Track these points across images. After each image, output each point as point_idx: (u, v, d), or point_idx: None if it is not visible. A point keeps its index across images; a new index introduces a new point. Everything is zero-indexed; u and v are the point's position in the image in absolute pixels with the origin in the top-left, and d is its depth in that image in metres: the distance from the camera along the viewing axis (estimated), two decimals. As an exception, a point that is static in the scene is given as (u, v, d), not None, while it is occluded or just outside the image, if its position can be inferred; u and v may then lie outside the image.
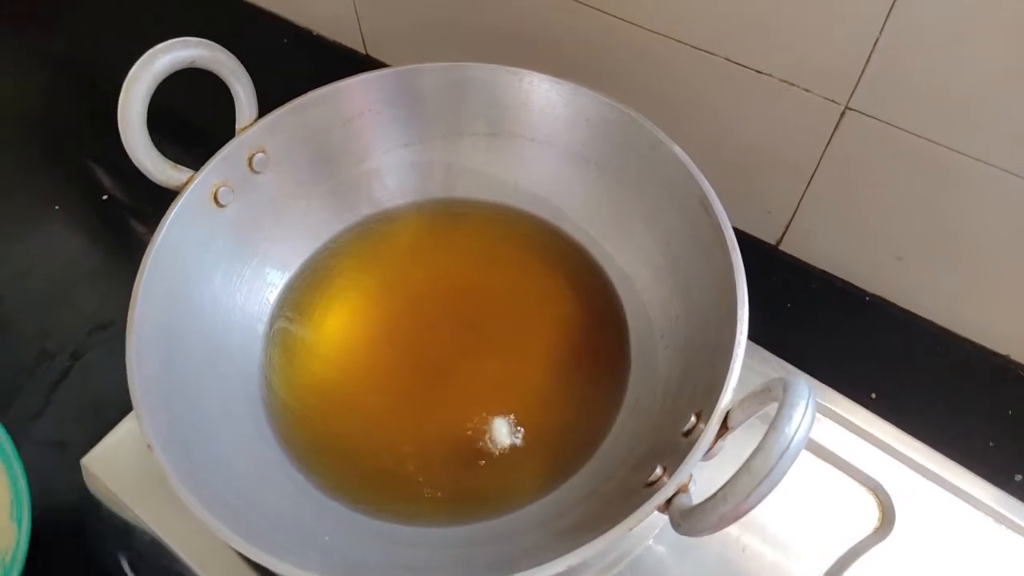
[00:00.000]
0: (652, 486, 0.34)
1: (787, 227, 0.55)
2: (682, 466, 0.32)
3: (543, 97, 0.47)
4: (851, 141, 0.47)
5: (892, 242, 0.50)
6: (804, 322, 0.53)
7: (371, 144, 0.50)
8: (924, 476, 0.44)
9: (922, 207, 0.47)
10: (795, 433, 0.28)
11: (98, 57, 0.75)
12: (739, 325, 0.36)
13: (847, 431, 0.45)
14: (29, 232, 0.63)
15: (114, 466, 0.45)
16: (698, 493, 0.32)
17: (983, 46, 0.39)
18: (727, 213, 0.40)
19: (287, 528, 0.37)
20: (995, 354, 0.51)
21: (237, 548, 0.32)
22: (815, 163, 0.49)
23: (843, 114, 0.46)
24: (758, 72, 0.47)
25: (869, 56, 0.42)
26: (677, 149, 0.43)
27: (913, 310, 0.53)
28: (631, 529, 0.31)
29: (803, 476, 0.44)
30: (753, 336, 0.36)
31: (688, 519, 0.31)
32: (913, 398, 0.48)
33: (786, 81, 0.46)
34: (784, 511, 0.43)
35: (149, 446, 0.34)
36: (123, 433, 0.46)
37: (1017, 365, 0.51)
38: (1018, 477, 0.46)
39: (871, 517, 0.43)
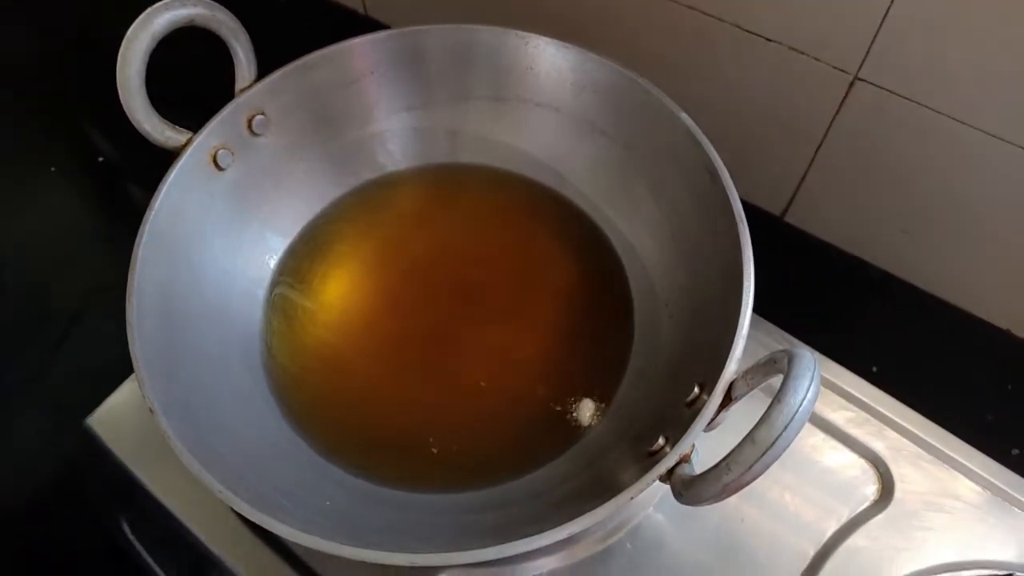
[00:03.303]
0: (654, 456, 0.34)
1: (792, 198, 0.54)
2: (685, 436, 0.32)
3: (549, 62, 0.47)
4: (860, 112, 0.46)
5: (898, 215, 0.50)
6: (806, 293, 0.53)
7: (374, 107, 0.50)
8: (923, 449, 0.44)
9: (929, 180, 0.47)
10: (800, 405, 0.28)
11: (94, 16, 0.74)
12: (745, 296, 0.35)
13: (848, 403, 0.45)
14: (25, 194, 0.62)
15: (115, 429, 0.45)
16: (700, 463, 0.32)
17: (994, 17, 0.38)
18: (733, 182, 0.39)
19: (288, 492, 0.37)
20: (997, 328, 0.51)
21: (239, 510, 0.32)
22: (823, 133, 0.49)
23: (852, 84, 0.45)
24: (767, 40, 0.46)
25: (880, 25, 0.41)
26: (684, 116, 0.42)
27: (917, 283, 0.53)
28: (633, 498, 0.31)
29: (803, 447, 0.44)
30: (755, 306, 0.36)
31: (690, 489, 0.31)
32: (914, 371, 0.49)
33: (795, 49, 0.46)
34: (784, 482, 0.43)
35: (151, 409, 0.34)
36: (124, 396, 0.46)
37: (1018, 340, 0.51)
38: (1016, 451, 0.46)
39: (870, 489, 0.43)
